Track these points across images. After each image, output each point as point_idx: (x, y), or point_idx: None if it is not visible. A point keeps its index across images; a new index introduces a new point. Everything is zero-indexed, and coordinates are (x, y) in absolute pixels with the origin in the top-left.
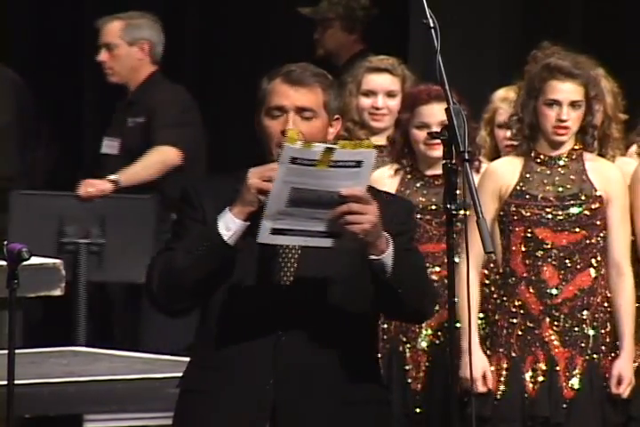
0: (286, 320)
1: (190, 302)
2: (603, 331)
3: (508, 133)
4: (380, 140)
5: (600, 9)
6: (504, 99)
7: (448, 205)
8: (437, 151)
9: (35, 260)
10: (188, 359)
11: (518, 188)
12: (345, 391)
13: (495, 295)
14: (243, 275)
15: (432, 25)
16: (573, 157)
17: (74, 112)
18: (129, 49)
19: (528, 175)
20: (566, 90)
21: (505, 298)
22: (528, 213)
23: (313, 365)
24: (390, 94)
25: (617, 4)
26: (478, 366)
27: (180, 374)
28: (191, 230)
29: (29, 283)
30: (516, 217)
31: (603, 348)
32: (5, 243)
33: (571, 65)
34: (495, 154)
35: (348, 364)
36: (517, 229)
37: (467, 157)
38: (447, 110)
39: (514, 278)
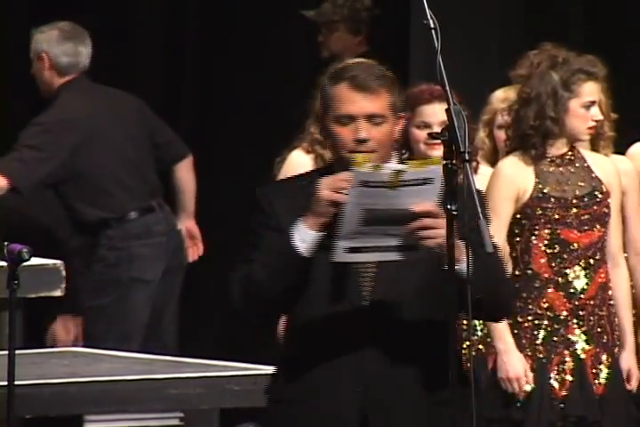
0: (368, 332)
1: (273, 313)
2: (613, 325)
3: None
4: None
5: (602, 8)
6: (504, 99)
7: (448, 206)
8: (437, 151)
9: (35, 260)
10: (195, 361)
11: (538, 190)
12: (431, 392)
13: None
14: (322, 289)
15: (432, 26)
16: (575, 154)
17: None
18: (37, 64)
19: (543, 176)
20: (598, 91)
21: (529, 300)
22: (556, 216)
23: (397, 371)
24: None
25: (618, 3)
26: (518, 366)
27: (182, 376)
28: (267, 239)
29: (30, 283)
30: (542, 220)
31: (617, 342)
32: (6, 244)
33: (598, 68)
34: (494, 155)
35: (431, 367)
36: (542, 231)
37: (467, 158)
38: (447, 111)
39: (539, 281)
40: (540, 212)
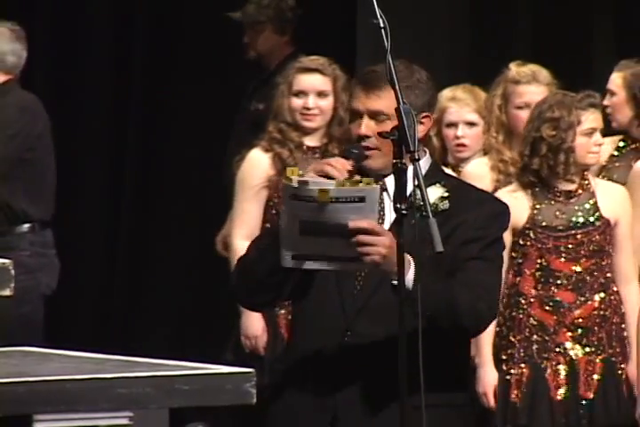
0: (352, 326)
1: (263, 295)
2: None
3: (459, 132)
4: (313, 140)
5: (547, 5)
6: (452, 98)
7: (398, 205)
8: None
9: None
10: (145, 360)
11: None
12: (411, 396)
13: None
14: (320, 284)
15: (382, 25)
16: None
17: None
18: None
19: None
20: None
21: None
22: None
23: (376, 369)
24: (321, 94)
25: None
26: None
27: (130, 375)
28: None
29: None
30: None
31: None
32: None
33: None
34: (443, 154)
35: (415, 368)
36: None
37: (417, 157)
38: (397, 110)
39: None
40: None
